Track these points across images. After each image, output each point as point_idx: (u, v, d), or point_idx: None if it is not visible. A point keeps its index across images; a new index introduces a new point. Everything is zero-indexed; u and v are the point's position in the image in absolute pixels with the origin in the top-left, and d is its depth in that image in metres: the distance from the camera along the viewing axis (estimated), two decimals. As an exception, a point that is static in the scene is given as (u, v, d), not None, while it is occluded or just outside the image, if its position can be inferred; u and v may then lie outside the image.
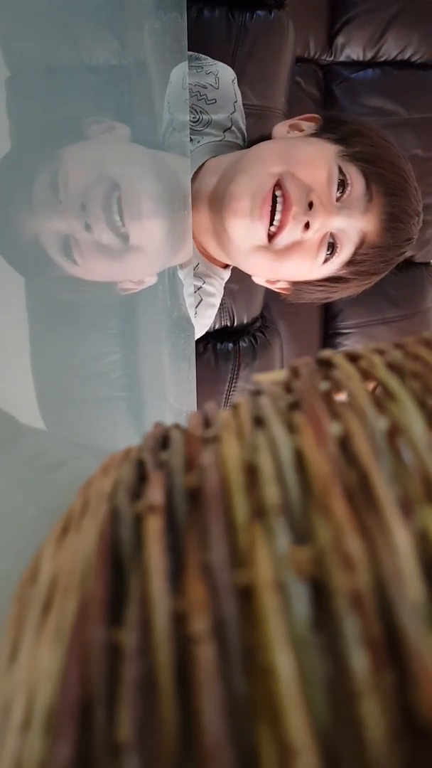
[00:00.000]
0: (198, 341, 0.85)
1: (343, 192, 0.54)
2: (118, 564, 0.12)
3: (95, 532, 0.13)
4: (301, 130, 0.62)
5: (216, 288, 0.71)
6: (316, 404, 0.14)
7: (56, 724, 0.10)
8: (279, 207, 0.53)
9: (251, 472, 0.12)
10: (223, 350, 0.88)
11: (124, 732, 0.09)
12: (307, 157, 0.55)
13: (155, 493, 0.13)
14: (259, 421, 0.14)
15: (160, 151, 0.63)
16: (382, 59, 1.04)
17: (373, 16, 1.01)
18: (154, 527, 0.12)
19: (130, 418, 0.78)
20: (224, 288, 0.73)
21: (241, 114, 0.72)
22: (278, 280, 0.66)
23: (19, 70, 0.65)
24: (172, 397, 0.72)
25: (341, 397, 0.14)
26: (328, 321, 1.08)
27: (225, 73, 0.72)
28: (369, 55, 1.04)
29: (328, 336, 1.08)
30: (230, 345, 0.89)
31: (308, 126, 0.62)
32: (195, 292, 0.68)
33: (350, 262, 0.58)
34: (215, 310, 0.75)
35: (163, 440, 0.16)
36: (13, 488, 0.27)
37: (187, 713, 0.09)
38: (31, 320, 0.72)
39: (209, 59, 0.73)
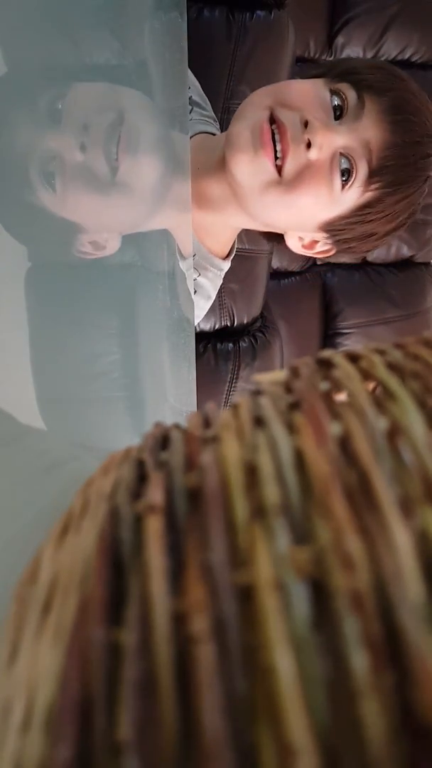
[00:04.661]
0: (198, 341, 0.85)
1: (342, 112, 0.55)
2: (118, 564, 0.12)
3: (95, 532, 0.13)
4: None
5: (210, 280, 0.70)
6: (316, 404, 0.14)
7: (56, 724, 0.10)
8: (278, 138, 0.53)
9: (251, 472, 0.12)
10: (223, 350, 0.89)
11: (124, 732, 0.09)
12: (295, 88, 0.56)
13: (155, 493, 0.13)
14: (259, 421, 0.14)
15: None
16: (382, 59, 1.05)
17: (373, 16, 1.01)
18: (154, 527, 0.12)
19: (130, 418, 0.77)
20: (224, 288, 0.73)
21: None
22: (313, 240, 0.63)
23: (19, 70, 0.65)
24: (172, 397, 0.72)
25: (341, 397, 0.14)
26: (328, 321, 1.08)
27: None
28: (369, 55, 1.04)
29: (328, 336, 1.08)
30: (230, 345, 0.89)
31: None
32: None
33: (371, 177, 0.55)
34: (210, 302, 0.73)
35: (163, 440, 0.16)
36: (13, 488, 0.27)
37: (187, 713, 0.09)
38: (31, 320, 0.72)
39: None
